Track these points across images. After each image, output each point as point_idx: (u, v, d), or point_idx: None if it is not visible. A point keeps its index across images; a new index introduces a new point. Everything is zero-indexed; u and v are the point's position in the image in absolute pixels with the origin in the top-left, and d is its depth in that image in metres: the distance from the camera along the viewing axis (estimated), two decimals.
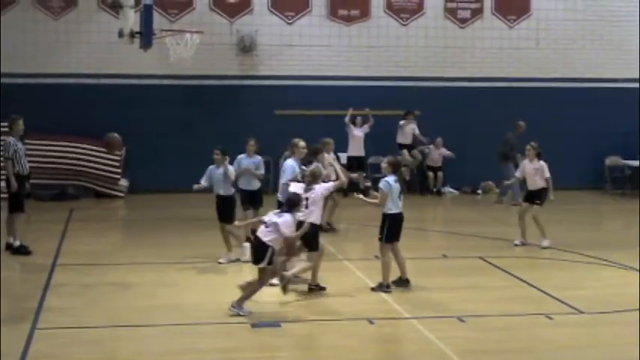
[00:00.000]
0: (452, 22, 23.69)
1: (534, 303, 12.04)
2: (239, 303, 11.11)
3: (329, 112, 22.40)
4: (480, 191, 23.65)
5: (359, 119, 22.18)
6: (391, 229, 12.42)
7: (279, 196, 13.54)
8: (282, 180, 13.48)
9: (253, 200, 15.36)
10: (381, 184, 12.41)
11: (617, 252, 15.33)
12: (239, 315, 10.98)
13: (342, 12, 23.24)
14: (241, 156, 15.32)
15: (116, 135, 14.16)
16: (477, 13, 23.77)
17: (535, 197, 16.01)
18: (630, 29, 24.08)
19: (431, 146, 23.15)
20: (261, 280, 11.32)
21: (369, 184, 14.28)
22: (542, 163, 15.97)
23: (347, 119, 21.78)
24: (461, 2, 23.67)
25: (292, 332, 10.61)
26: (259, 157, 15.35)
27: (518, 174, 16.69)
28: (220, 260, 14.20)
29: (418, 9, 23.53)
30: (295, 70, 22.93)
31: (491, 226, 18.73)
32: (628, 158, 23.91)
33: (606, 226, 19.65)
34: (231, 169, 14.30)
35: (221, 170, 14.24)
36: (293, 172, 13.42)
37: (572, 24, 24.00)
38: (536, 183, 15.98)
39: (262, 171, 15.39)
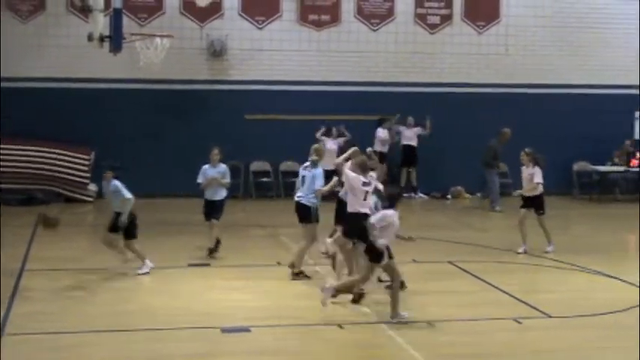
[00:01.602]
0: (422, 27, 23.79)
1: (503, 307, 12.11)
2: (394, 312, 11.15)
3: (299, 117, 22.43)
4: (449, 196, 23.74)
5: (334, 131, 22.12)
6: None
7: (304, 200, 13.52)
8: (316, 186, 13.35)
9: (215, 211, 15.10)
10: None
11: (585, 256, 15.45)
12: (400, 322, 11.02)
13: (313, 17, 23.27)
14: (206, 166, 15.15)
15: (57, 218, 13.55)
16: (447, 19, 23.90)
17: (531, 203, 15.97)
18: (597, 36, 24.30)
19: (402, 127, 23.10)
20: (394, 277, 11.33)
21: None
22: (536, 168, 15.93)
23: (318, 134, 21.68)
24: (431, 8, 23.78)
25: (262, 337, 10.60)
26: (224, 166, 15.20)
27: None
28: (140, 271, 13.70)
29: (388, 14, 23.62)
30: (265, 75, 22.92)
31: (460, 230, 18.82)
32: (596, 164, 24.15)
33: (574, 231, 19.79)
34: (120, 187, 13.71)
35: (111, 187, 13.78)
36: (322, 176, 13.53)
37: (540, 30, 24.19)
38: (530, 189, 15.97)
39: (228, 179, 15.24)
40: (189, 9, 22.67)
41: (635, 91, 24.21)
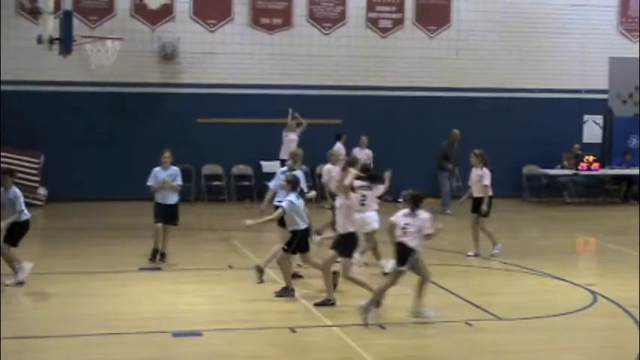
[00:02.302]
0: (373, 31, 23.90)
1: (454, 310, 12.18)
2: (367, 304, 11.25)
3: (251, 121, 22.43)
4: (400, 200, 23.71)
5: (292, 123, 22.08)
6: (300, 242, 12.45)
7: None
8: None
9: (170, 216, 14.91)
10: (285, 205, 12.44)
11: (534, 259, 15.62)
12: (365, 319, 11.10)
13: (265, 20, 23.27)
14: (157, 169, 14.97)
15: None
16: (398, 23, 24.03)
17: (479, 206, 15.95)
18: (546, 41, 24.60)
19: (356, 149, 23.03)
20: (390, 282, 11.42)
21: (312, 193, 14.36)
22: (484, 170, 15.94)
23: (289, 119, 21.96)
24: (382, 12, 23.90)
25: (214, 341, 10.57)
26: (175, 168, 15.05)
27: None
28: (7, 282, 13.10)
29: (340, 18, 23.69)
30: (217, 78, 22.86)
31: None
32: (545, 167, 24.43)
33: (524, 234, 19.98)
34: (20, 196, 13.20)
35: (9, 194, 13.15)
36: (304, 179, 13.89)
37: (490, 35, 24.41)
38: (479, 191, 16.00)
39: (180, 182, 15.10)
40: (140, 12, 22.55)
41: (583, 96, 24.57)
